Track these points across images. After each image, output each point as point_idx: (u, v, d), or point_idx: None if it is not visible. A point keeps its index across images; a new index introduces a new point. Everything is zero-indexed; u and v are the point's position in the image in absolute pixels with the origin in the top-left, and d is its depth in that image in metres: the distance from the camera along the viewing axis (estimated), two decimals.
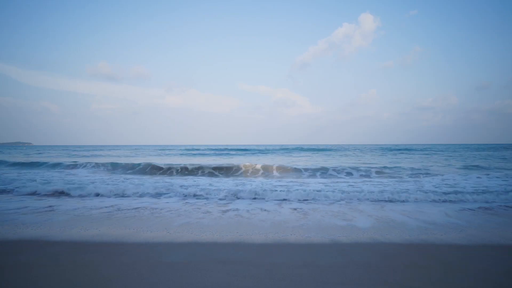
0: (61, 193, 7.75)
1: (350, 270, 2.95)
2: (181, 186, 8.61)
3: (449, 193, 7.42)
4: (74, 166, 16.66)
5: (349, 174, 12.78)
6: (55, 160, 19.55)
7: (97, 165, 16.35)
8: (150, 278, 2.76)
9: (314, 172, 13.32)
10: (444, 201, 6.82)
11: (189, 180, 11.00)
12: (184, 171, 14.06)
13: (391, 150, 39.14)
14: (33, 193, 7.72)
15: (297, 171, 13.80)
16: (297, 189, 7.94)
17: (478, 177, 10.86)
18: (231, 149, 44.40)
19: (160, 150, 46.53)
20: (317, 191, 7.60)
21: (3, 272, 2.90)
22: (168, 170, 14.25)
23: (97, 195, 7.58)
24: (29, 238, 4.05)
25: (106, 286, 2.61)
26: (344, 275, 2.84)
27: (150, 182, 9.91)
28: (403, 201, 6.79)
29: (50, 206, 6.14)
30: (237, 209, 5.94)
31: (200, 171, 13.96)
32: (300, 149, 44.69)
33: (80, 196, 7.50)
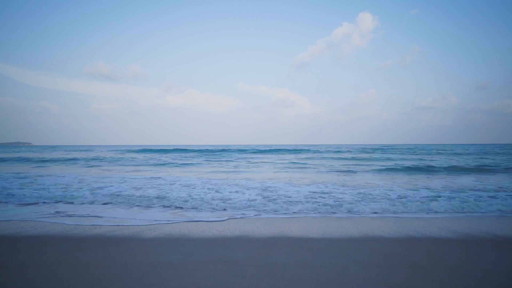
0: None
1: (350, 270, 2.95)
2: None
3: None
4: None
5: None
6: None
7: None
8: (150, 278, 2.76)
9: None
10: None
11: None
12: None
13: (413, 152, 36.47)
14: None
15: None
16: None
17: None
18: (232, 150, 42.27)
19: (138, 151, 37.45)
20: None
21: (3, 272, 2.90)
22: None
23: None
24: (29, 236, 4.05)
25: (106, 286, 2.60)
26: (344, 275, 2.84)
27: None
28: None
29: None
30: None
31: None
32: (313, 150, 39.97)
33: None
